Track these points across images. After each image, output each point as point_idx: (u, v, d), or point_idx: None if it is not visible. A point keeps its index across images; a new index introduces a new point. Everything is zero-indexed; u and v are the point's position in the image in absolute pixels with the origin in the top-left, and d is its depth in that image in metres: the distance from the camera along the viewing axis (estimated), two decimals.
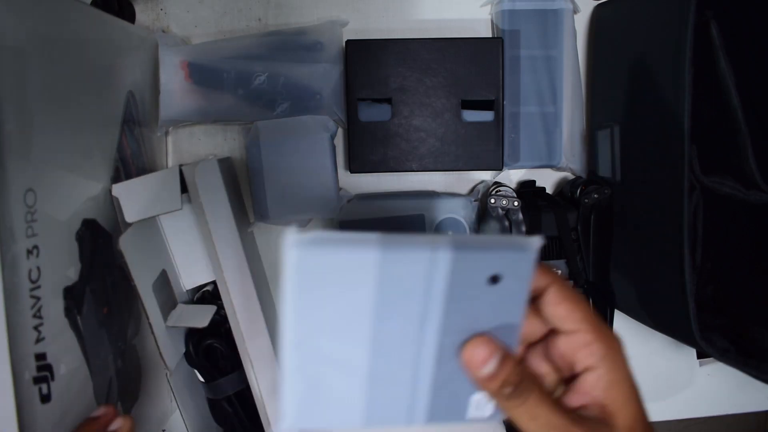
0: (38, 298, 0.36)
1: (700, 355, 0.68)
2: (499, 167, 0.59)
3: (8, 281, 0.33)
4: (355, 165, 0.58)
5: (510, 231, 0.60)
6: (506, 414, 0.32)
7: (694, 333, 0.49)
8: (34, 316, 0.36)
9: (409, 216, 0.61)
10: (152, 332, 0.50)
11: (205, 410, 0.59)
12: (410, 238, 0.28)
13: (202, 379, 0.57)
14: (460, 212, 0.62)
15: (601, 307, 0.61)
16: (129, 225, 0.49)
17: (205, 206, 0.51)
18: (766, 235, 0.56)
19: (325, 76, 0.59)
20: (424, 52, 0.57)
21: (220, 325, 0.57)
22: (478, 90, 0.58)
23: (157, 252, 0.55)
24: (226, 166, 0.57)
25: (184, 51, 0.58)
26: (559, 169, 0.65)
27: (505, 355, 0.30)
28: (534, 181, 0.65)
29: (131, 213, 0.49)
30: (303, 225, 0.62)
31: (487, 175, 0.66)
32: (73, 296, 0.41)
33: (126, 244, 0.47)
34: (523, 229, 0.59)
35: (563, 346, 0.32)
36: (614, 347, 0.32)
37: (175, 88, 0.58)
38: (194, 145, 0.63)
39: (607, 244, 0.61)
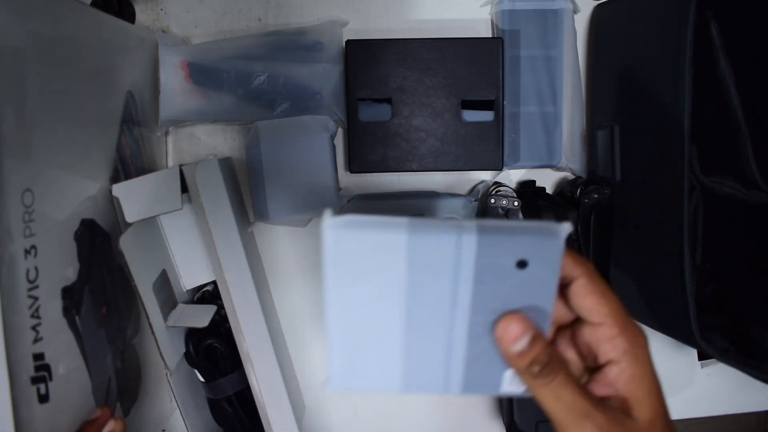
0: (36, 298, 0.36)
1: (701, 357, 0.68)
2: (499, 167, 0.59)
3: (6, 281, 0.33)
4: (355, 165, 0.58)
5: None
6: (531, 392, 0.33)
7: (694, 333, 0.49)
8: (32, 316, 0.36)
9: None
10: (152, 332, 0.50)
11: (205, 410, 0.59)
12: (437, 222, 0.30)
13: (202, 379, 0.57)
14: (460, 212, 0.62)
15: None
16: (129, 225, 0.49)
17: (205, 206, 0.51)
18: (766, 235, 0.56)
19: (325, 76, 0.59)
20: (424, 52, 0.57)
21: (220, 325, 0.57)
22: (478, 90, 0.58)
23: (157, 252, 0.55)
24: (226, 166, 0.57)
25: (184, 51, 0.58)
26: (559, 169, 0.65)
27: (537, 335, 0.31)
28: (534, 181, 0.65)
29: (131, 213, 0.49)
30: (303, 225, 0.62)
31: (487, 175, 0.66)
32: (71, 296, 0.41)
33: (126, 244, 0.47)
34: None
35: (588, 336, 0.33)
36: (638, 342, 0.32)
37: (175, 88, 0.58)
38: (194, 145, 0.63)
39: (607, 244, 0.61)
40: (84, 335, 0.42)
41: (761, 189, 0.54)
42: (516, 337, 0.31)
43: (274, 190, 0.58)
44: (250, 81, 0.59)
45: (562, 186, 0.66)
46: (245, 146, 0.62)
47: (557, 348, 0.35)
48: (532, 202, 0.61)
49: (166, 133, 0.63)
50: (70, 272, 0.41)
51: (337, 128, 0.62)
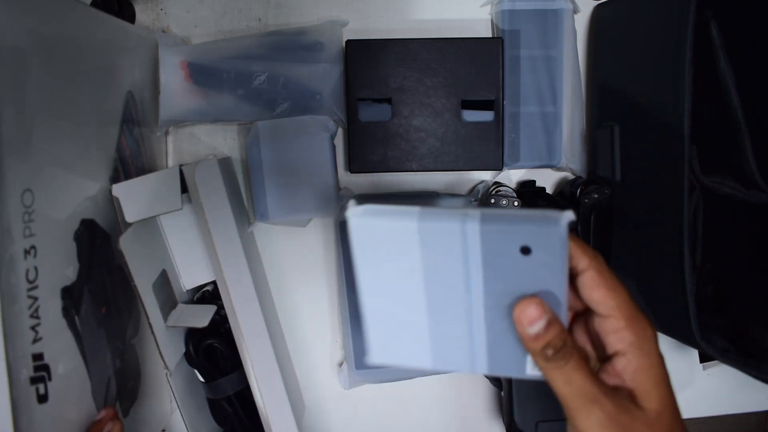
0: (36, 298, 0.36)
1: (702, 359, 0.67)
2: (499, 167, 0.59)
3: (5, 281, 0.33)
4: (355, 165, 0.58)
5: None
6: (543, 375, 0.33)
7: (694, 333, 0.49)
8: (32, 316, 0.36)
9: None
10: (152, 332, 0.50)
11: (205, 410, 0.59)
12: (445, 211, 0.32)
13: (202, 379, 0.57)
14: None
15: None
16: (129, 225, 0.49)
17: (205, 206, 0.51)
18: (766, 235, 0.56)
19: (325, 76, 0.59)
20: (424, 52, 0.57)
21: (220, 325, 0.57)
22: (478, 90, 0.58)
23: (157, 252, 0.55)
24: (226, 166, 0.57)
25: (184, 51, 0.58)
26: (559, 169, 0.65)
27: (553, 319, 0.32)
28: (534, 181, 0.65)
29: (131, 213, 0.49)
30: (303, 225, 0.62)
31: (487, 175, 0.66)
32: (71, 296, 0.41)
33: (126, 244, 0.47)
34: None
35: (597, 327, 0.34)
36: (645, 335, 0.33)
37: (175, 88, 0.58)
38: (194, 145, 0.63)
39: (607, 244, 0.61)
40: (83, 335, 0.42)
41: (761, 189, 0.54)
42: (532, 319, 0.32)
43: (274, 190, 0.58)
44: (250, 81, 0.59)
45: (562, 186, 0.66)
46: (245, 146, 0.62)
47: (572, 335, 0.35)
48: (532, 202, 0.61)
49: (166, 133, 0.63)
50: (69, 272, 0.41)
51: (337, 128, 0.62)
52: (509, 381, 0.58)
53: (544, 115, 0.62)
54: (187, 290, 0.59)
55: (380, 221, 0.34)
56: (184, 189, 0.53)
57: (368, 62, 0.57)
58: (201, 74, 0.58)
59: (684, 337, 0.51)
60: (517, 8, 0.61)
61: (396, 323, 0.38)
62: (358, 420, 0.68)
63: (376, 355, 0.39)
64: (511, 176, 0.66)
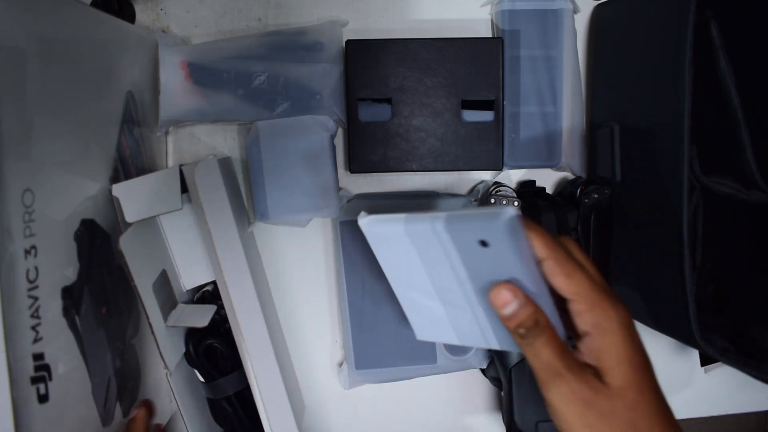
0: (36, 298, 0.36)
1: (704, 362, 0.67)
2: (499, 167, 0.59)
3: (6, 281, 0.33)
4: (355, 165, 0.58)
5: None
6: (520, 348, 0.37)
7: (694, 333, 0.49)
8: (32, 315, 0.36)
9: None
10: (152, 332, 0.50)
11: (205, 410, 0.59)
12: (422, 216, 0.37)
13: (202, 379, 0.57)
14: None
15: None
16: (129, 225, 0.49)
17: (205, 206, 0.51)
18: (766, 235, 0.56)
19: (325, 76, 0.59)
20: (424, 52, 0.57)
21: (220, 325, 0.57)
22: (478, 90, 0.58)
23: (157, 252, 0.55)
24: (226, 166, 0.57)
25: (184, 51, 0.58)
26: (559, 169, 0.65)
27: (525, 302, 0.36)
28: (534, 181, 0.65)
29: (131, 213, 0.49)
30: (303, 225, 0.62)
31: (487, 175, 0.66)
32: (71, 296, 0.41)
33: (126, 244, 0.47)
34: None
35: (569, 309, 0.37)
36: (606, 316, 0.35)
37: (175, 88, 0.58)
38: (194, 145, 0.63)
39: (607, 244, 0.61)
40: (84, 335, 0.42)
41: (761, 189, 0.54)
42: (505, 302, 0.36)
43: (274, 190, 0.58)
44: (250, 81, 0.59)
45: (562, 186, 0.66)
46: (245, 146, 0.62)
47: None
48: (532, 202, 0.61)
49: (166, 133, 0.63)
50: (70, 272, 0.41)
51: (337, 128, 0.62)
52: (509, 381, 0.58)
53: (544, 115, 0.62)
54: (187, 290, 0.59)
55: (381, 227, 0.40)
56: (184, 189, 0.53)
57: (368, 62, 0.57)
58: (201, 74, 0.58)
59: (684, 337, 0.51)
60: (517, 8, 0.61)
61: (422, 309, 0.44)
62: (358, 420, 0.68)
63: (419, 334, 0.47)
64: (511, 176, 0.66)
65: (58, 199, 0.40)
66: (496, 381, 0.62)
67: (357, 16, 0.63)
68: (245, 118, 0.60)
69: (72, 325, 0.41)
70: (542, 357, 0.35)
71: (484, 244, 0.35)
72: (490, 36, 0.64)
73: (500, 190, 0.61)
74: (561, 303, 0.37)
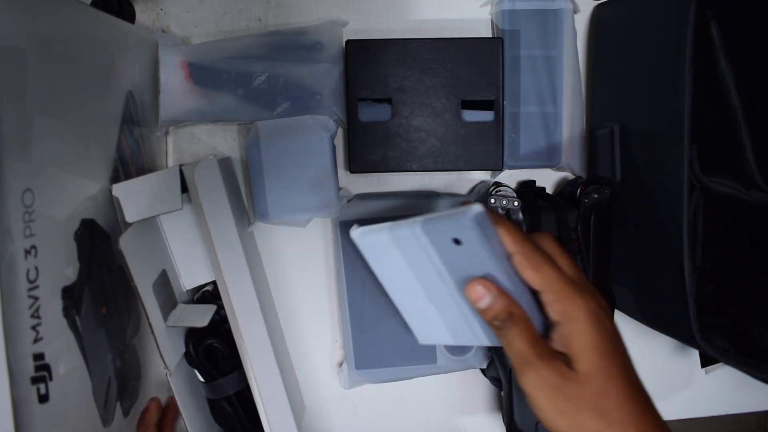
0: (36, 298, 0.36)
1: (704, 363, 0.67)
2: (499, 167, 0.59)
3: (6, 281, 0.33)
4: (355, 165, 0.58)
5: None
6: (497, 338, 0.39)
7: (694, 333, 0.49)
8: (32, 315, 0.36)
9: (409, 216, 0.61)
10: (152, 332, 0.50)
11: (205, 410, 0.59)
12: (404, 221, 0.39)
13: (202, 379, 0.57)
14: None
15: None
16: (129, 225, 0.49)
17: (205, 206, 0.51)
18: (766, 235, 0.56)
19: (325, 76, 0.59)
20: (424, 52, 0.57)
21: (220, 325, 0.57)
22: (478, 90, 0.58)
23: (157, 252, 0.55)
24: (226, 166, 0.57)
25: (184, 51, 0.58)
26: (559, 169, 0.65)
27: (498, 295, 0.37)
28: (534, 181, 0.65)
29: (131, 213, 0.49)
30: (303, 225, 0.62)
31: (487, 175, 0.66)
32: (71, 296, 0.41)
33: (126, 244, 0.47)
34: (524, 228, 0.59)
35: (541, 300, 0.38)
36: (574, 306, 0.37)
37: (175, 88, 0.58)
38: (194, 145, 0.63)
39: (607, 244, 0.61)
40: (84, 335, 0.42)
41: (761, 189, 0.54)
42: (479, 296, 0.38)
43: (274, 190, 0.58)
44: (250, 81, 0.59)
45: (562, 186, 0.66)
46: (245, 146, 0.62)
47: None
48: (532, 202, 0.61)
49: (166, 133, 0.63)
50: (70, 272, 0.41)
51: (337, 128, 0.62)
52: (509, 381, 0.58)
53: (544, 115, 0.62)
54: (187, 290, 0.59)
55: (369, 237, 0.42)
56: (184, 189, 0.53)
57: (368, 62, 0.57)
58: (201, 74, 0.58)
59: (684, 337, 0.51)
60: (517, 8, 0.61)
61: (418, 313, 0.46)
62: (358, 420, 0.68)
63: (421, 338, 0.49)
64: (511, 176, 0.66)
65: (58, 199, 0.40)
66: (496, 381, 0.62)
67: (357, 16, 0.63)
68: (245, 118, 0.60)
69: (72, 325, 0.41)
70: (515, 346, 0.37)
71: (457, 242, 0.36)
72: (490, 36, 0.64)
73: (500, 190, 0.61)
74: (538, 295, 0.39)
